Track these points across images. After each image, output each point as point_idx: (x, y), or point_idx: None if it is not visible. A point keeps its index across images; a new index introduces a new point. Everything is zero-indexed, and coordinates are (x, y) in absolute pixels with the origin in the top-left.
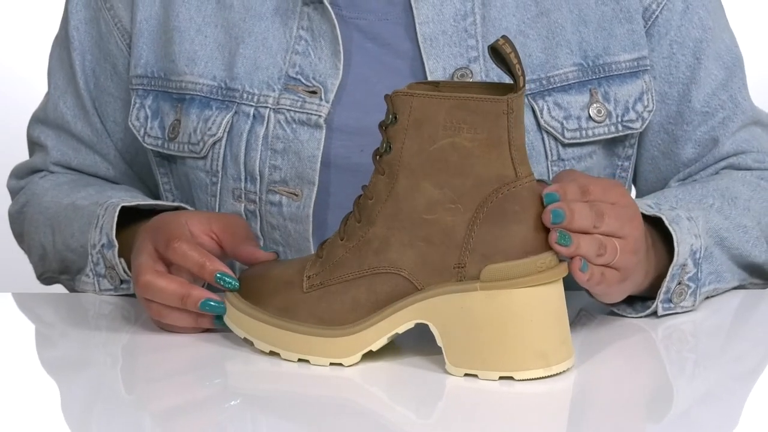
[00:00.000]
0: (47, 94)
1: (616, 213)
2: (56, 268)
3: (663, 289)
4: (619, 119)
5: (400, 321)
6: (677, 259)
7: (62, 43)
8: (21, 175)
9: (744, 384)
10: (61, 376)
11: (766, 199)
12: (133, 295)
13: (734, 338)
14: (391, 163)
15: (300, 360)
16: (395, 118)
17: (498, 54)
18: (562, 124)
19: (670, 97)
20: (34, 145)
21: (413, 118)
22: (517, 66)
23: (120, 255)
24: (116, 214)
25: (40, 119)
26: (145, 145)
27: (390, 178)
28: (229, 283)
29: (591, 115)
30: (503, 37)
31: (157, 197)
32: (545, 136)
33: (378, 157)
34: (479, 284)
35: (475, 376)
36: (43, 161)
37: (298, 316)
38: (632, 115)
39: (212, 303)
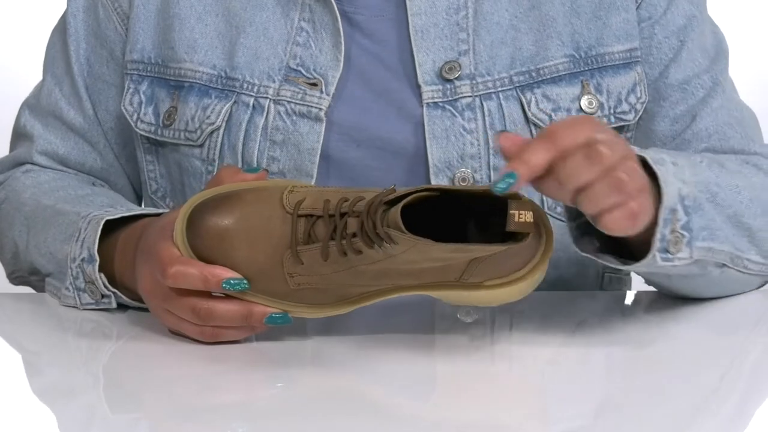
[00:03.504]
0: (42, 81)
1: (608, 146)
2: (26, 268)
3: (657, 236)
4: (612, 111)
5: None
6: (666, 201)
7: (60, 30)
8: (2, 169)
9: None
10: (49, 402)
11: (755, 174)
12: (112, 309)
13: None
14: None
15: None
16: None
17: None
18: (550, 116)
19: (650, 77)
20: (19, 136)
21: None
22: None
23: (101, 268)
24: (99, 228)
25: (30, 106)
26: (137, 130)
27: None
28: (238, 285)
29: (582, 107)
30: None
31: (139, 192)
32: (533, 129)
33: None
34: (483, 288)
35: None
36: (28, 151)
37: (287, 301)
38: (625, 106)
39: (277, 316)
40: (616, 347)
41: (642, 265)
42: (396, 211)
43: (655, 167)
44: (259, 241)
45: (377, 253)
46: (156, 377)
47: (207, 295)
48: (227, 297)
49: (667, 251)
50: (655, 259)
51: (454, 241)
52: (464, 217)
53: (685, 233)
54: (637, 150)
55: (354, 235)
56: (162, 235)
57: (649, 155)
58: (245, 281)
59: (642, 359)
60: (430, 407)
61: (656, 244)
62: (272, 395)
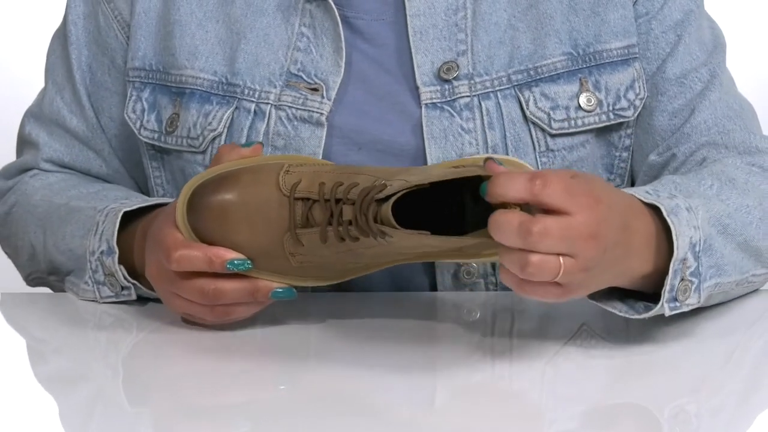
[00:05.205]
0: (44, 89)
1: (562, 230)
2: (45, 268)
3: (667, 287)
4: (611, 108)
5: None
6: (677, 254)
7: (60, 37)
8: (9, 175)
9: None
10: (58, 388)
11: (762, 182)
12: (133, 302)
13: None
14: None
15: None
16: None
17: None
18: (548, 114)
19: (648, 72)
20: (24, 143)
21: None
22: None
23: (120, 260)
24: (118, 220)
25: (34, 114)
26: (140, 137)
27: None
28: (242, 265)
29: (580, 104)
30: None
31: (146, 195)
32: (532, 127)
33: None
34: (481, 257)
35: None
36: (34, 159)
37: (292, 275)
38: (624, 103)
39: (280, 291)
40: (616, 348)
41: (650, 315)
42: (387, 208)
43: (669, 219)
44: (259, 223)
45: (373, 241)
46: (162, 374)
47: (213, 275)
48: (233, 275)
49: (675, 300)
50: (663, 309)
51: (449, 212)
52: (457, 189)
53: (693, 279)
54: (652, 198)
55: (350, 222)
56: (166, 221)
57: (664, 205)
58: (249, 261)
59: (642, 360)
60: (431, 407)
61: (665, 295)
62: (275, 396)
